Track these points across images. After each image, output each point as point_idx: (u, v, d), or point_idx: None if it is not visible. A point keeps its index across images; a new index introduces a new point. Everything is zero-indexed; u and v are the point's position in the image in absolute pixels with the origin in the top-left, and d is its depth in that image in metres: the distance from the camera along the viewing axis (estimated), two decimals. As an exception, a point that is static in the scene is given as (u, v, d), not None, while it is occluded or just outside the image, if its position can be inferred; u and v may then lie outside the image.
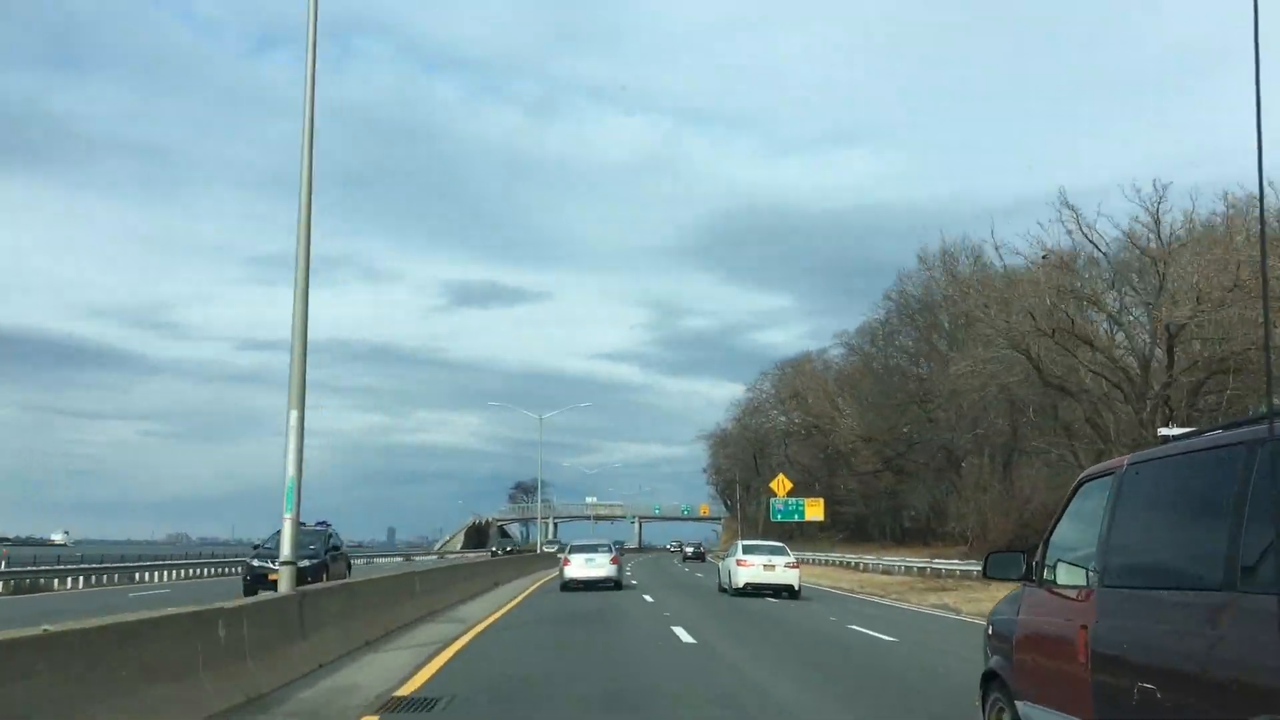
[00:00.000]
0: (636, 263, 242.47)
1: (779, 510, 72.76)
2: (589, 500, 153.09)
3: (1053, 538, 6.27)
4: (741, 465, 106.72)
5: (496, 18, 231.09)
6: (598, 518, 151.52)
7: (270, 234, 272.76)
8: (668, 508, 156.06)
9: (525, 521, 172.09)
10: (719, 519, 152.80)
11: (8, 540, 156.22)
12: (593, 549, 33.16)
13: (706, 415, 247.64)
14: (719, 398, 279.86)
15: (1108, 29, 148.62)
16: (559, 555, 43.47)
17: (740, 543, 34.95)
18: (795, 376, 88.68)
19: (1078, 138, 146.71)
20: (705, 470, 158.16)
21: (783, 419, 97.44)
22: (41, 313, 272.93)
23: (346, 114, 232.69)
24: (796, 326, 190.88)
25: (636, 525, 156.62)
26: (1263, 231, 5.09)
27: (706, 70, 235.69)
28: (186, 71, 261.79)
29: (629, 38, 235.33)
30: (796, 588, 29.61)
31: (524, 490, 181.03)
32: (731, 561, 30.77)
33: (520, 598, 28.45)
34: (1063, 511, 6.29)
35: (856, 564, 56.12)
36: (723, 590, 31.34)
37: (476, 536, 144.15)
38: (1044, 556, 6.27)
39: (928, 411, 60.45)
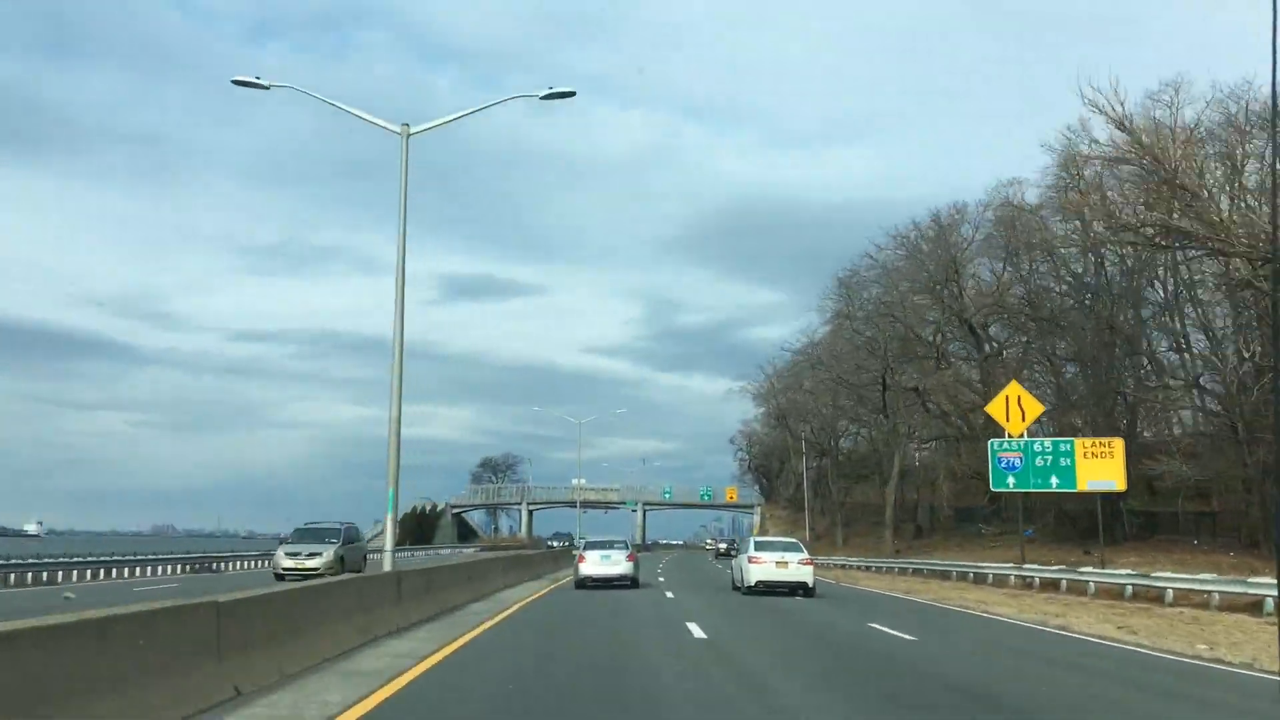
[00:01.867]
0: (631, 257, 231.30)
1: (1010, 467, 34.45)
2: (575, 482, 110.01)
3: None
4: (824, 406, 66.40)
5: (495, 8, 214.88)
6: (585, 504, 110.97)
7: (264, 224, 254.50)
8: (682, 492, 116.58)
9: (493, 508, 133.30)
10: (751, 506, 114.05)
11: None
12: (608, 545, 32.16)
13: (699, 411, 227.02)
14: (711, 393, 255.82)
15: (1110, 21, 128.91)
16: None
17: (752, 539, 35.84)
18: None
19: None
20: (733, 440, 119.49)
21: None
22: (32, 303, 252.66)
23: (343, 104, 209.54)
24: (790, 322, 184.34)
25: (639, 513, 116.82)
26: None
27: (706, 64, 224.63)
28: (180, 59, 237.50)
29: (629, 31, 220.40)
30: (811, 585, 28.61)
31: (492, 469, 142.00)
32: (744, 559, 30.01)
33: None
34: None
35: None
36: (736, 589, 30.22)
37: (417, 529, 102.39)
38: None
39: None
